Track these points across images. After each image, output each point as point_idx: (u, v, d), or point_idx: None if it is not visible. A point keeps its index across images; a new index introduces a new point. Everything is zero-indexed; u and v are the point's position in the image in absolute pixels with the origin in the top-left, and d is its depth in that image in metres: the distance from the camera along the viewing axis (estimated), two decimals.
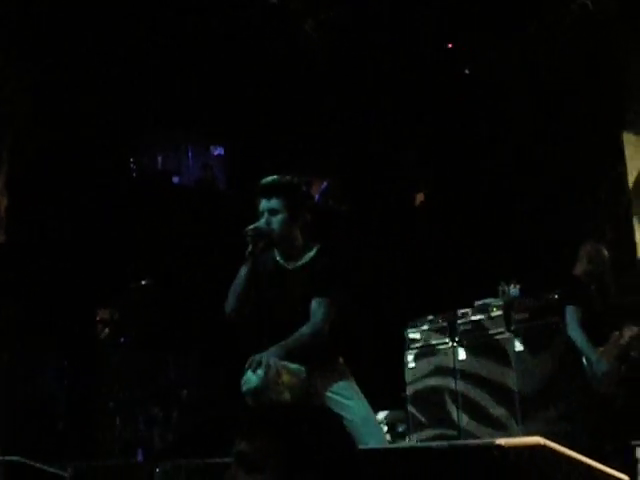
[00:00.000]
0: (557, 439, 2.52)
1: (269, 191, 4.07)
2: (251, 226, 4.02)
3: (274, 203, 4.05)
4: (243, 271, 4.02)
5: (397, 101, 11.04)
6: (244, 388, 3.73)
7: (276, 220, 4.04)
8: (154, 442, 10.47)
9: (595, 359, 5.99)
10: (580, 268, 6.43)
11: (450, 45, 10.66)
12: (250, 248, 4.00)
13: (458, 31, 10.27)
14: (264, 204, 4.07)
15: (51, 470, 4.60)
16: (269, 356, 3.73)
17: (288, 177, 4.14)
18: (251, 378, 3.70)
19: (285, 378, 3.80)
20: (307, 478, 1.87)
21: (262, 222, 4.06)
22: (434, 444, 2.49)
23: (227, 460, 2.07)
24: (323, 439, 1.93)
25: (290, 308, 4.05)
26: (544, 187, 9.49)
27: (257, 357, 3.73)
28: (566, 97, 9.31)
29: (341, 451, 1.95)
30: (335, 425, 2.01)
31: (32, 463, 4.55)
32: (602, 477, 2.49)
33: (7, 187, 10.04)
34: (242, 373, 3.79)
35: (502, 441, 2.31)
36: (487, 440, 2.39)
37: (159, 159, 12.11)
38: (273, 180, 4.10)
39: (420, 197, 11.97)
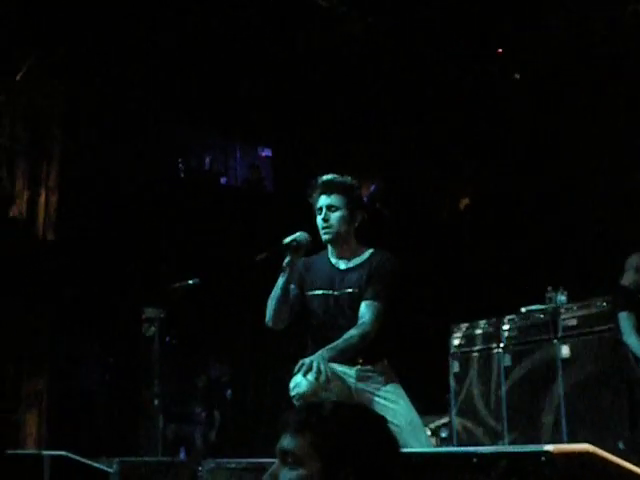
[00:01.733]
0: (602, 445, 2.49)
1: (330, 187, 4.06)
2: (289, 238, 4.00)
3: (334, 200, 4.04)
4: (281, 281, 4.00)
5: (445, 105, 10.99)
6: (293, 392, 3.70)
7: (335, 216, 4.03)
8: (196, 441, 10.54)
9: None
10: (628, 278, 6.37)
11: (500, 50, 10.59)
12: (288, 259, 3.98)
13: (510, 35, 10.21)
14: (323, 200, 4.06)
15: (96, 465, 4.63)
16: (320, 360, 3.70)
17: (347, 177, 4.15)
18: (301, 383, 3.67)
19: (334, 384, 3.79)
20: (345, 475, 1.88)
21: (320, 218, 4.05)
22: (480, 449, 2.47)
23: (270, 460, 2.09)
24: (363, 437, 1.93)
25: (339, 309, 4.03)
26: (594, 195, 9.39)
27: (307, 361, 3.70)
28: (619, 101, 9.21)
29: (381, 451, 1.95)
30: (377, 425, 2.01)
31: (78, 458, 4.59)
32: None
33: (57, 185, 10.15)
34: (290, 376, 3.78)
35: (550, 447, 2.29)
36: (535, 445, 2.37)
37: (207, 160, 12.18)
38: (334, 177, 4.10)
39: (465, 201, 11.91)
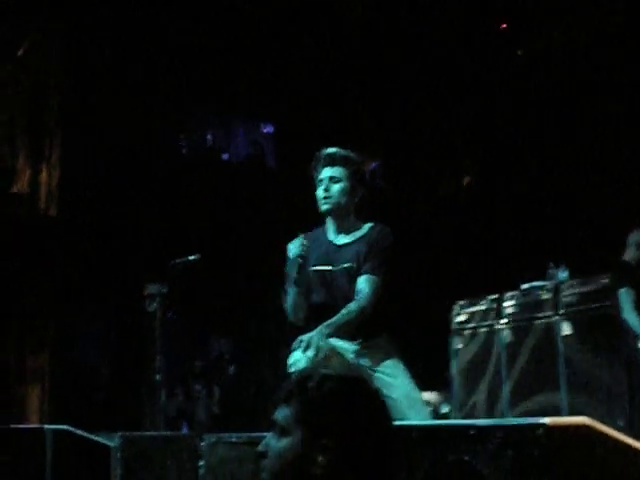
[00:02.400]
0: (603, 421, 2.50)
1: (333, 160, 4.06)
2: (295, 251, 4.01)
3: (337, 171, 4.04)
4: (293, 272, 3.99)
5: (448, 81, 10.96)
6: (292, 369, 3.71)
7: (336, 187, 4.02)
8: (198, 415, 10.59)
9: None
10: (629, 254, 6.35)
11: (504, 26, 10.55)
12: (294, 278, 3.98)
13: (511, 11, 10.16)
14: (326, 172, 4.05)
15: (98, 439, 4.65)
16: (319, 337, 3.71)
17: (350, 151, 4.15)
18: (300, 359, 3.69)
19: (334, 360, 3.80)
20: (323, 445, 1.90)
21: (321, 189, 4.05)
22: (477, 421, 2.48)
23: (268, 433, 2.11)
24: (347, 410, 1.95)
25: (336, 284, 4.04)
26: (595, 170, 9.37)
27: (306, 337, 3.71)
28: (624, 78, 9.17)
29: (367, 424, 1.96)
30: (366, 398, 2.01)
31: (79, 432, 4.61)
32: None
33: (59, 161, 10.16)
34: (289, 352, 3.79)
35: (547, 420, 2.30)
36: (532, 418, 2.38)
37: (209, 136, 12.17)
38: (338, 150, 4.10)
39: (467, 178, 11.89)
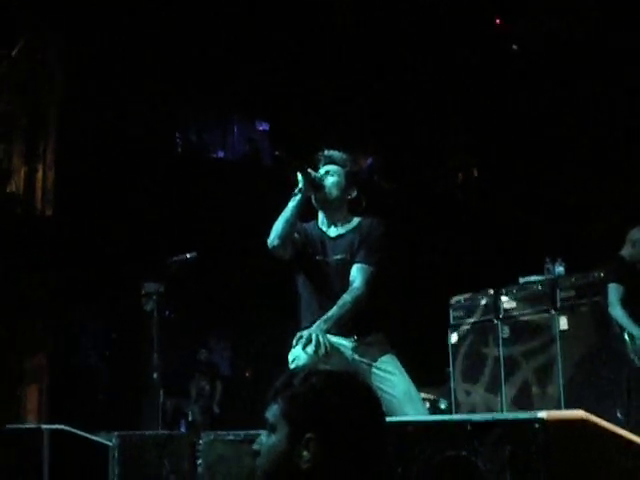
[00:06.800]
0: (601, 415, 2.50)
1: (332, 159, 4.12)
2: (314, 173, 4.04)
3: (332, 167, 4.10)
4: (291, 205, 3.99)
5: (446, 78, 10.96)
6: (292, 365, 3.71)
7: (330, 180, 4.07)
8: (196, 414, 10.58)
9: (637, 335, 5.93)
10: (626, 251, 6.35)
11: (498, 21, 10.55)
12: (301, 185, 3.98)
13: (506, 6, 10.16)
14: (323, 169, 4.11)
15: (95, 439, 4.64)
16: (318, 333, 3.71)
17: (347, 152, 4.21)
18: (300, 356, 3.68)
19: (333, 357, 3.80)
20: (307, 441, 1.90)
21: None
22: (474, 416, 2.48)
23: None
24: (332, 405, 1.94)
25: (330, 276, 4.04)
26: (591, 166, 9.38)
27: (305, 334, 3.71)
28: (618, 70, 9.17)
29: (354, 419, 1.95)
30: (355, 393, 2.01)
31: (77, 432, 4.60)
32: None
33: (55, 161, 10.15)
34: (289, 348, 3.78)
35: (544, 414, 2.30)
36: (529, 413, 2.38)
37: (204, 134, 12.16)
38: (336, 152, 4.17)
39: (464, 174, 11.90)
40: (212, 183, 11.05)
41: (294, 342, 3.73)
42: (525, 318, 7.55)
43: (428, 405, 7.85)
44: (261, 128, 12.61)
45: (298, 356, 3.70)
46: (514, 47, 10.51)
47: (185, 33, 10.60)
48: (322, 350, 3.67)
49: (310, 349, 3.66)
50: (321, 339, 3.68)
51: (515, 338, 7.59)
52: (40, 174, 10.19)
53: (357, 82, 11.17)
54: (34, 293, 9.83)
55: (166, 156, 11.22)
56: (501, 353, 7.65)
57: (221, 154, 12.27)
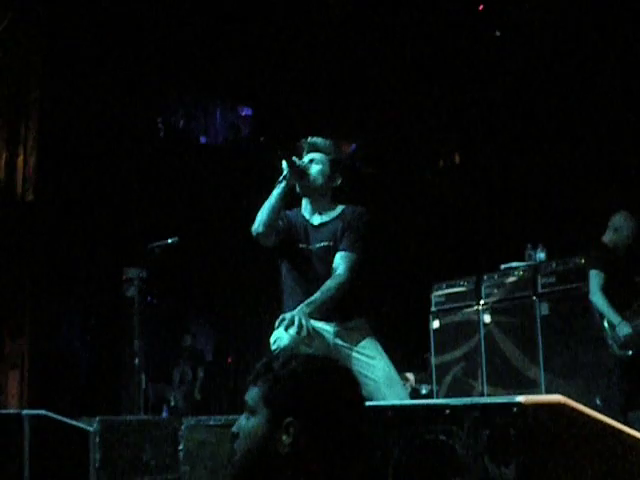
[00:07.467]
0: (581, 401, 2.51)
1: (314, 146, 4.12)
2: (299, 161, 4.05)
3: (316, 155, 4.10)
4: (276, 192, 3.99)
5: (428, 63, 10.95)
6: (274, 346, 3.72)
7: (315, 168, 4.08)
8: (179, 400, 10.59)
9: (617, 322, 5.94)
10: (608, 236, 6.35)
11: (481, 7, 10.54)
12: (286, 172, 3.98)
13: None
14: (307, 156, 4.11)
15: (76, 424, 4.64)
16: (301, 315, 3.72)
17: (331, 140, 4.21)
18: (282, 337, 3.69)
19: (316, 341, 3.81)
20: (287, 425, 1.91)
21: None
22: (452, 400, 2.49)
23: None
24: (311, 389, 1.95)
25: (314, 263, 4.05)
26: (575, 152, 9.39)
27: (288, 315, 3.72)
28: (603, 56, 9.18)
29: (334, 403, 1.96)
30: (334, 378, 2.01)
31: (57, 417, 4.59)
32: (622, 437, 2.48)
33: (36, 146, 10.10)
34: (271, 330, 3.79)
35: (522, 398, 2.30)
36: (507, 397, 2.38)
37: (187, 119, 12.13)
38: (320, 139, 4.17)
39: (446, 160, 11.92)
40: (194, 168, 11.03)
41: (276, 324, 3.74)
42: (507, 304, 7.58)
43: (409, 390, 7.89)
44: (244, 113, 12.59)
45: (280, 337, 3.71)
46: (497, 33, 10.50)
47: (167, 17, 10.55)
48: (304, 332, 3.68)
49: (292, 330, 3.67)
50: (303, 321, 3.69)
51: (496, 323, 7.62)
52: (21, 159, 10.14)
53: (339, 68, 11.15)
54: (15, 278, 9.79)
55: (148, 141, 11.17)
56: (482, 338, 7.68)
57: (204, 139, 12.25)
